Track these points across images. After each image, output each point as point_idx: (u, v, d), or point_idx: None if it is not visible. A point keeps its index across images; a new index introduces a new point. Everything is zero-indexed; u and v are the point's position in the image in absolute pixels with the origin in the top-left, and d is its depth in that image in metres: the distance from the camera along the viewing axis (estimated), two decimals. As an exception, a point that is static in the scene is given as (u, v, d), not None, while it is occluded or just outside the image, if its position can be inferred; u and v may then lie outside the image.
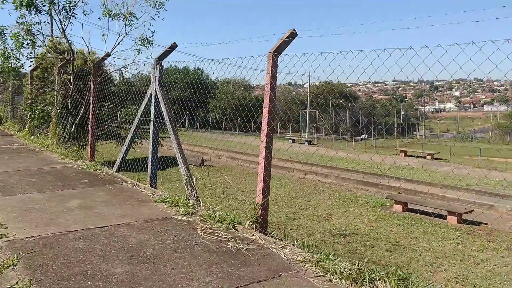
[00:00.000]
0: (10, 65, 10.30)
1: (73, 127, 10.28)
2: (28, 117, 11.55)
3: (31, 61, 11.34)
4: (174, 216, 5.18)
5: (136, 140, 10.48)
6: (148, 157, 6.94)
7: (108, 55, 8.59)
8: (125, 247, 4.12)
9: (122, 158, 7.33)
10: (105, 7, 10.76)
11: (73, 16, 9.95)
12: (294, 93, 69.45)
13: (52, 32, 15.61)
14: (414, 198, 14.97)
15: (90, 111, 8.46)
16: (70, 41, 10.28)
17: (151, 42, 10.60)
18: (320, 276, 3.59)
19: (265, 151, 4.53)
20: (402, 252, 10.93)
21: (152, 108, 6.52)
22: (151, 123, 6.54)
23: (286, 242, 4.19)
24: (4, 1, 10.07)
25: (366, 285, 3.40)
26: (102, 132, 10.14)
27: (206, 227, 4.74)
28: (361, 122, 52.35)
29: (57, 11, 9.85)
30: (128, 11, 10.89)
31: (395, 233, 12.43)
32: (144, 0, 10.74)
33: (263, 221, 4.57)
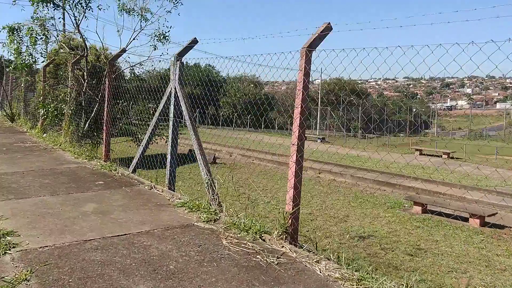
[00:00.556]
0: (23, 61, 10.04)
1: (86, 125, 10.01)
2: (41, 115, 11.31)
3: (44, 57, 11.08)
4: (195, 223, 4.86)
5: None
6: (166, 157, 6.64)
7: (123, 50, 8.29)
8: (146, 259, 3.81)
9: (138, 159, 7.03)
10: (121, 2, 10.45)
11: (88, 9, 9.67)
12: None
13: (64, 27, 15.38)
14: (433, 199, 14.53)
15: (105, 109, 8.17)
16: (84, 37, 10.00)
17: (167, 38, 10.27)
18: (363, 297, 3.25)
19: (297, 155, 4.19)
20: (423, 256, 10.55)
21: (172, 107, 6.20)
22: (170, 122, 6.23)
23: (321, 257, 3.85)
24: None
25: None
26: (116, 130, 9.85)
27: (231, 237, 4.42)
28: (373, 120, 51.77)
29: (72, 5, 9.57)
30: (143, 6, 10.58)
31: (415, 236, 12.04)
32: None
33: (294, 231, 4.23)
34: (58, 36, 10.75)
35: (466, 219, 12.91)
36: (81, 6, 9.56)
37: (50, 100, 11.45)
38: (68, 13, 9.90)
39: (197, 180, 16.89)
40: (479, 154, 32.76)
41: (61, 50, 11.24)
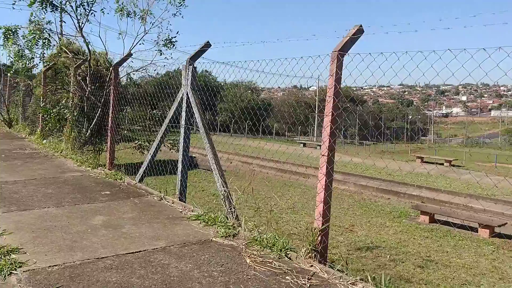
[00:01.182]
0: (24, 65, 9.69)
1: (89, 131, 9.65)
2: (42, 120, 10.91)
3: (43, 62, 10.72)
4: (213, 239, 4.54)
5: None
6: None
7: (130, 55, 7.96)
8: (166, 281, 3.48)
9: (146, 168, 6.70)
10: (120, 4, 10.11)
11: (91, 13, 9.33)
12: (299, 96, 68.80)
13: (62, 30, 15.03)
14: (440, 208, 14.26)
15: (110, 115, 7.83)
16: (88, 40, 9.67)
17: (174, 43, 9.94)
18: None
19: (327, 167, 3.88)
20: (434, 268, 10.26)
21: (183, 114, 5.88)
22: (182, 130, 5.91)
23: (357, 278, 3.53)
24: None
25: None
26: (119, 137, 9.50)
27: (255, 255, 4.10)
28: (370, 127, 51.67)
29: (74, 8, 9.23)
30: (144, 10, 10.26)
31: (424, 247, 11.75)
32: (163, -3, 10.11)
33: (323, 249, 3.92)
34: (61, 39, 10.41)
35: (475, 229, 12.64)
36: (84, 9, 9.23)
37: (50, 105, 11.09)
38: (70, 16, 9.58)
39: (199, 188, 16.56)
40: (477, 162, 32.60)
41: (63, 54, 10.89)
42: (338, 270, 3.83)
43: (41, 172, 7.71)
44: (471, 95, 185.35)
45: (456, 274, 9.92)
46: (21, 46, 9.69)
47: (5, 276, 3.48)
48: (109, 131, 7.92)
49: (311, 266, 3.84)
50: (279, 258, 4.02)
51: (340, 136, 53.51)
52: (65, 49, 10.57)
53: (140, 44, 10.15)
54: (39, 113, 11.23)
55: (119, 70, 8.02)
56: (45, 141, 10.85)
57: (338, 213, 14.67)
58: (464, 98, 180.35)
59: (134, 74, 10.35)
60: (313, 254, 3.93)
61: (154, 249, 4.18)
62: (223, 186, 5.24)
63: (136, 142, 10.56)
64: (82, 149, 9.35)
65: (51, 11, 9.20)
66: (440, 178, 22.18)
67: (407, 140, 60.24)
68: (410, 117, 77.87)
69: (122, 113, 9.18)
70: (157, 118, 9.17)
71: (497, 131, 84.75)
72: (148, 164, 6.66)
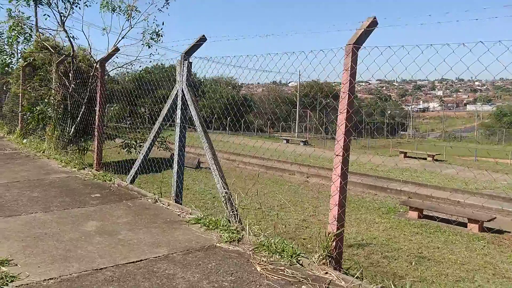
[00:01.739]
0: (4, 61, 9.19)
1: (73, 129, 9.23)
2: (25, 118, 10.41)
3: (26, 58, 10.22)
4: (218, 244, 4.27)
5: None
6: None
7: (117, 49, 7.59)
8: (174, 293, 3.21)
9: (137, 168, 6.37)
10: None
11: (75, 5, 8.89)
12: (279, 91, 68.66)
13: (37, 25, 14.45)
14: (429, 204, 14.25)
15: (97, 113, 7.45)
16: (71, 35, 9.23)
17: (160, 35, 9.58)
18: None
19: (342, 168, 3.65)
20: (427, 264, 10.19)
21: (178, 111, 5.58)
22: (177, 128, 5.60)
23: (378, 287, 3.31)
24: None
25: None
26: (104, 136, 9.11)
27: (264, 261, 3.85)
28: (354, 121, 51.81)
29: (56, 2, 8.79)
30: (130, 5, 9.87)
31: (415, 243, 11.69)
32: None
33: (338, 255, 3.70)
34: (43, 34, 9.94)
35: (464, 224, 12.65)
36: (68, 1, 8.79)
37: (30, 103, 10.59)
38: (52, 10, 9.13)
39: (192, 189, 16.16)
40: (457, 155, 32.99)
41: (43, 50, 10.41)
42: (350, 275, 3.61)
43: (24, 174, 7.30)
44: (447, 90, 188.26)
45: (450, 270, 9.87)
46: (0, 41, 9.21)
47: (-5, 292, 3.16)
48: (96, 130, 7.55)
49: (326, 273, 3.61)
50: (291, 265, 3.79)
51: (322, 131, 53.65)
52: (46, 45, 10.09)
53: (126, 38, 9.79)
54: (20, 111, 10.73)
55: (107, 66, 7.65)
56: (25, 140, 10.36)
57: (326, 210, 14.48)
58: (440, 93, 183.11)
59: (119, 70, 9.98)
60: (327, 261, 3.70)
61: (156, 257, 3.89)
62: (224, 188, 4.97)
63: (123, 141, 10.17)
64: (66, 149, 8.93)
65: (34, 5, 8.74)
66: (424, 172, 22.28)
67: (387, 135, 60.77)
68: (389, 112, 78.59)
69: (105, 110, 8.78)
70: (146, 117, 8.82)
71: (473, 125, 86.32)
72: (139, 164, 6.33)
